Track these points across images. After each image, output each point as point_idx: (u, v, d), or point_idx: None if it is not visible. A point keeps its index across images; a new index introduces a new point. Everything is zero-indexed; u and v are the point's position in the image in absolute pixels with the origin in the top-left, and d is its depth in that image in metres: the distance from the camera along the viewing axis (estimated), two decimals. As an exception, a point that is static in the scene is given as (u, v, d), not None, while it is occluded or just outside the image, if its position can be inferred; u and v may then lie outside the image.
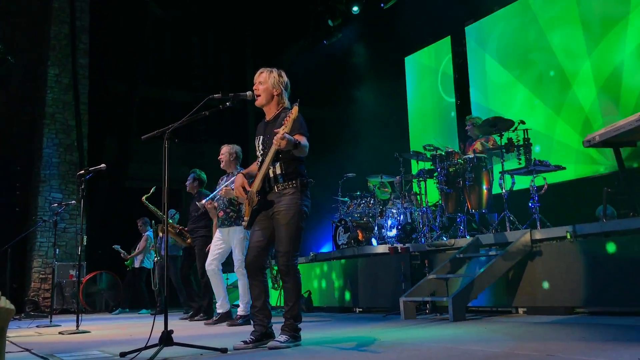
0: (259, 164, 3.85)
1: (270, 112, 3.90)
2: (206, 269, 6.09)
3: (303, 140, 3.61)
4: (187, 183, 7.04)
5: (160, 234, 7.80)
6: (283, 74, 3.93)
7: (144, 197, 7.45)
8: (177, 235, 7.40)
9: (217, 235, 6.12)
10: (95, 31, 12.62)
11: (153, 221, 7.93)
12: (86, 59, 12.37)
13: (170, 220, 7.45)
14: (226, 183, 6.03)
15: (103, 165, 6.35)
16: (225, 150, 6.19)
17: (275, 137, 3.43)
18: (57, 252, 8.23)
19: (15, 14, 12.35)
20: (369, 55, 12.21)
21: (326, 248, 11.52)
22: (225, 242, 6.07)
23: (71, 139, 11.98)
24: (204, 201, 6.27)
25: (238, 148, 6.19)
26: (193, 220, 6.97)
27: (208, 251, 6.46)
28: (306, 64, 12.54)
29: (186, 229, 7.05)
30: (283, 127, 3.44)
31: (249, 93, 3.88)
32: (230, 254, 6.07)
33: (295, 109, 3.45)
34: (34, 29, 12.58)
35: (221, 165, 6.20)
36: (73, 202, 9.30)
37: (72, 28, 12.19)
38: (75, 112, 11.99)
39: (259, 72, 3.91)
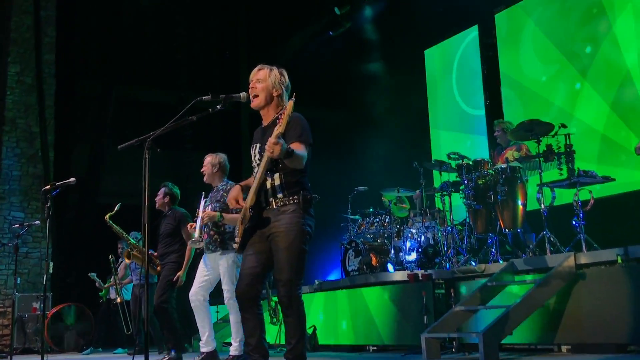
0: (254, 174, 3.88)
1: (268, 116, 3.93)
2: (190, 299, 6.10)
3: (300, 149, 3.61)
4: (157, 198, 7.02)
5: (127, 260, 7.78)
6: (284, 73, 3.97)
7: (107, 216, 7.46)
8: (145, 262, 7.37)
9: (202, 262, 6.15)
10: (63, 22, 12.72)
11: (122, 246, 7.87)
12: (52, 55, 12.45)
13: (138, 243, 7.46)
14: (207, 204, 6.07)
15: (72, 179, 6.39)
16: (207, 160, 6.22)
17: (267, 142, 3.43)
18: (18, 282, 8.26)
19: (-32, 4, 12.46)
20: (382, 48, 12.26)
21: (334, 275, 11.52)
22: (211, 269, 6.08)
23: (35, 148, 12.04)
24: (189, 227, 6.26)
25: (223, 157, 6.23)
26: (164, 244, 6.93)
27: (175, 281, 6.52)
28: (309, 58, 12.62)
29: (155, 253, 7.05)
30: (277, 127, 3.44)
31: (243, 94, 3.92)
32: (219, 283, 6.09)
33: (290, 103, 3.46)
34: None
35: (204, 179, 6.24)
36: (37, 222, 9.33)
37: (36, 19, 12.27)
38: (39, 116, 12.04)
39: (257, 68, 3.94)
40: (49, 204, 6.30)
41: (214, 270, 6.05)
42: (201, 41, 15.04)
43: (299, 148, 3.60)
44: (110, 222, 7.44)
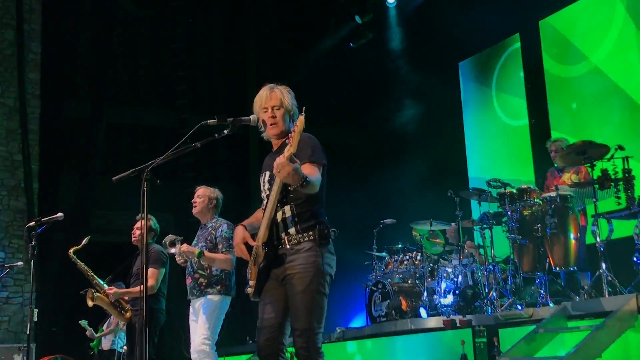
0: (264, 207, 3.89)
1: (279, 141, 3.97)
2: (196, 349, 6.05)
3: (312, 172, 3.60)
4: (133, 232, 7.01)
5: (90, 303, 7.71)
6: (291, 91, 4.02)
7: (71, 250, 7.42)
8: (111, 306, 7.27)
9: (190, 312, 6.13)
10: (49, 37, 12.86)
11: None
12: (37, 74, 12.60)
13: (105, 285, 7.40)
14: (195, 243, 6.09)
15: (60, 214, 6.46)
16: (202, 192, 6.25)
17: (276, 162, 3.40)
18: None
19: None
20: (410, 61, 12.32)
21: (358, 322, 11.46)
22: (196, 316, 6.02)
23: (17, 178, 12.14)
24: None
25: (219, 194, 6.31)
26: (135, 285, 6.95)
27: (152, 329, 6.50)
28: (326, 74, 12.70)
29: (126, 298, 7.05)
30: (288, 146, 3.40)
31: (253, 117, 3.97)
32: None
33: (301, 119, 3.42)
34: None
35: (193, 211, 6.26)
36: (19, 263, 9.39)
37: (18, 33, 12.44)
38: (22, 143, 12.15)
39: (267, 90, 3.96)
40: (33, 242, 6.37)
41: (198, 318, 5.99)
42: (204, 57, 15.18)
43: (311, 171, 3.60)
44: (75, 257, 7.37)
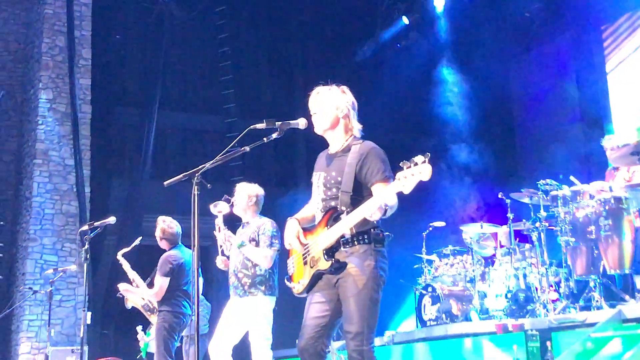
0: (318, 210, 3.92)
1: (336, 142, 4.00)
2: (210, 353, 6.07)
3: (392, 197, 3.62)
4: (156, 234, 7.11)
5: (127, 305, 7.84)
6: (347, 90, 4.05)
7: (120, 253, 7.56)
8: (143, 308, 7.42)
9: (226, 308, 6.13)
10: (99, 43, 13.07)
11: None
12: (88, 79, 12.81)
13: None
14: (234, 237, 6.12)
15: (112, 218, 6.58)
16: (242, 189, 6.24)
17: (371, 214, 3.56)
18: (51, 334, 8.46)
19: (-4, 23, 12.98)
20: (459, 59, 12.24)
21: (407, 325, 11.41)
22: (236, 316, 6.04)
23: (69, 183, 12.35)
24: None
25: (260, 190, 6.26)
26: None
27: (171, 330, 6.64)
28: (374, 76, 12.69)
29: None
30: (396, 184, 3.49)
31: (301, 120, 4.01)
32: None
33: (429, 169, 3.42)
34: (20, 42, 13.23)
35: (234, 210, 6.25)
36: (72, 266, 9.52)
37: (69, 40, 12.65)
38: (74, 148, 12.35)
39: (314, 92, 4.04)
40: (86, 246, 6.49)
41: (240, 318, 6.01)
42: (250, 60, 15.25)
43: (388, 193, 3.61)
44: (122, 258, 7.55)
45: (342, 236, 3.76)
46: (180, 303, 6.90)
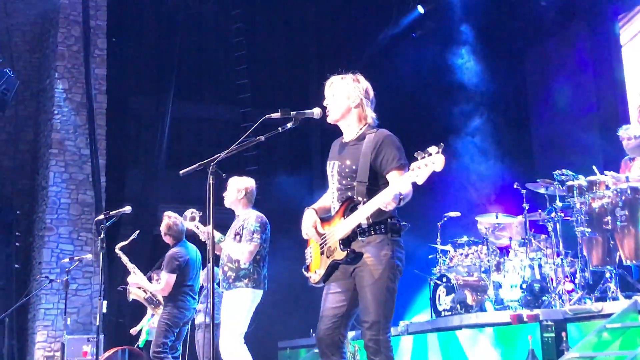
0: (333, 200, 3.94)
1: (350, 131, 4.01)
2: (220, 350, 6.09)
3: (407, 186, 3.63)
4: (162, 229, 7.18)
5: (130, 297, 7.90)
6: (361, 78, 4.05)
7: (118, 246, 7.63)
8: (146, 301, 7.53)
9: (222, 303, 6.16)
10: (114, 33, 13.12)
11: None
12: (103, 69, 12.87)
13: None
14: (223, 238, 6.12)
15: (128, 207, 6.63)
16: (232, 183, 6.22)
17: (385, 202, 3.57)
18: (67, 322, 8.53)
19: (13, 14, 13.02)
20: (475, 49, 12.17)
21: (422, 315, 11.42)
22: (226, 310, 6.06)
23: (85, 173, 12.42)
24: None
25: (251, 183, 6.27)
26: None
27: (173, 325, 6.74)
28: (388, 65, 12.65)
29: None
30: (411, 174, 3.52)
31: (316, 110, 4.03)
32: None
33: (442, 159, 3.46)
34: (36, 31, 13.30)
35: (225, 203, 6.27)
36: (89, 256, 9.59)
37: (85, 30, 12.70)
38: (89, 137, 12.42)
39: (329, 81, 4.06)
40: (102, 235, 6.55)
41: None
42: (265, 50, 15.26)
43: (402, 182, 3.62)
44: (121, 252, 7.62)
45: (359, 226, 3.78)
46: (185, 298, 7.02)
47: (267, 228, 6.13)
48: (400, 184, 3.59)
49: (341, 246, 3.77)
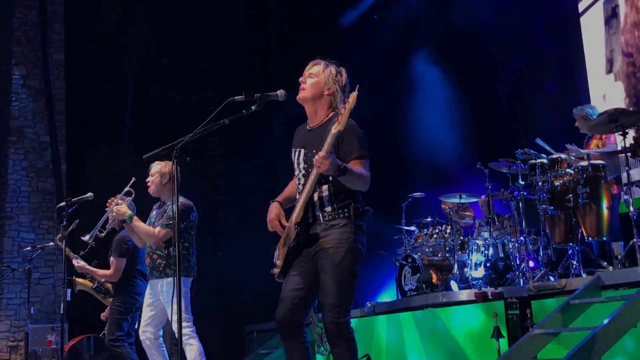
0: (299, 186, 3.92)
1: (315, 117, 4.00)
2: (140, 339, 6.05)
3: (360, 168, 3.66)
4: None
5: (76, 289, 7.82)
6: (343, 72, 4.07)
7: (57, 238, 7.53)
8: (94, 290, 7.46)
9: (147, 291, 6.10)
10: (72, 17, 12.92)
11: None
12: (61, 54, 12.71)
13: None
14: (152, 220, 6.03)
15: (90, 194, 6.56)
16: (155, 169, 6.09)
17: (315, 159, 3.53)
18: (31, 311, 8.46)
19: (-33, -2, 12.79)
20: (433, 26, 12.18)
21: (388, 295, 11.50)
22: (155, 298, 5.98)
23: (45, 160, 12.27)
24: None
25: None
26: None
27: (126, 312, 6.76)
28: (355, 46, 12.63)
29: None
30: (335, 125, 3.53)
31: (280, 92, 4.01)
32: None
33: (353, 96, 3.54)
34: (-8, 17, 13.06)
35: (149, 191, 6.15)
36: (51, 244, 9.52)
37: (42, 14, 12.52)
38: (48, 124, 12.27)
39: (312, 62, 4.06)
40: (64, 222, 6.47)
41: (159, 300, 5.95)
42: (226, 35, 15.14)
43: (359, 166, 3.66)
44: (60, 243, 7.51)
45: (322, 206, 3.78)
46: (136, 283, 6.98)
47: (192, 214, 5.98)
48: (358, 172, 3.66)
49: (296, 227, 3.77)
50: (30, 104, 12.40)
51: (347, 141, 3.77)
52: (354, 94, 3.54)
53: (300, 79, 4.03)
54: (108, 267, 7.11)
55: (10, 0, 12.68)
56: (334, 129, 3.50)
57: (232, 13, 14.94)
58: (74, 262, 7.29)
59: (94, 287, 7.46)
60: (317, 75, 3.99)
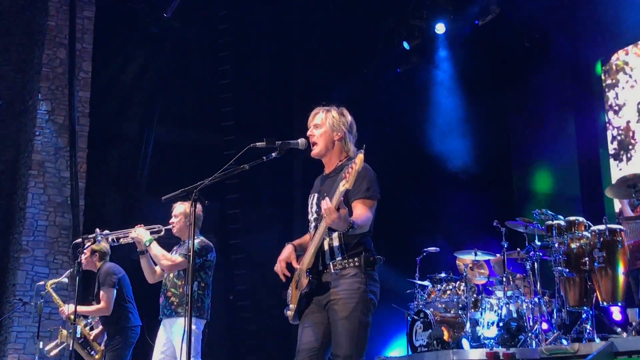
0: (311, 231, 3.94)
1: (330, 164, 4.03)
2: None
3: (364, 214, 3.66)
4: (82, 257, 6.91)
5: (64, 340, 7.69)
6: (345, 112, 4.08)
7: (49, 284, 7.53)
8: (79, 346, 7.18)
9: (160, 330, 6.05)
10: (100, 56, 13.14)
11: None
12: (87, 92, 12.85)
13: (84, 320, 7.46)
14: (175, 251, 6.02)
15: (106, 231, 6.57)
16: (179, 209, 6.12)
17: (323, 208, 3.52)
18: (40, 346, 8.44)
19: (-1, 34, 13.03)
20: (458, 84, 12.28)
21: (397, 350, 11.39)
22: (166, 339, 5.94)
23: (64, 195, 12.34)
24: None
25: (199, 208, 6.04)
26: (102, 319, 7.02)
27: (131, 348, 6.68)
28: (372, 98, 12.74)
29: (91, 333, 7.18)
30: (343, 182, 3.50)
31: (301, 140, 4.04)
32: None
33: (360, 157, 3.52)
34: (21, 51, 13.28)
35: (173, 231, 6.18)
36: (65, 279, 9.51)
37: (70, 52, 12.70)
38: (70, 160, 12.36)
39: (313, 112, 4.08)
40: (78, 259, 6.50)
41: (170, 341, 5.91)
42: (250, 80, 15.31)
43: (362, 211, 3.64)
44: (52, 290, 7.51)
45: (332, 256, 3.77)
46: (133, 317, 6.94)
47: (211, 254, 5.99)
48: (360, 213, 3.66)
49: (307, 274, 3.77)
50: (53, 139, 12.51)
51: (357, 183, 3.76)
52: (361, 156, 3.54)
53: (309, 133, 4.04)
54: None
55: (40, 36, 12.91)
56: (342, 187, 3.49)
57: (256, 60, 15.15)
58: (61, 309, 7.26)
59: (79, 341, 7.26)
60: (322, 125, 4.01)
